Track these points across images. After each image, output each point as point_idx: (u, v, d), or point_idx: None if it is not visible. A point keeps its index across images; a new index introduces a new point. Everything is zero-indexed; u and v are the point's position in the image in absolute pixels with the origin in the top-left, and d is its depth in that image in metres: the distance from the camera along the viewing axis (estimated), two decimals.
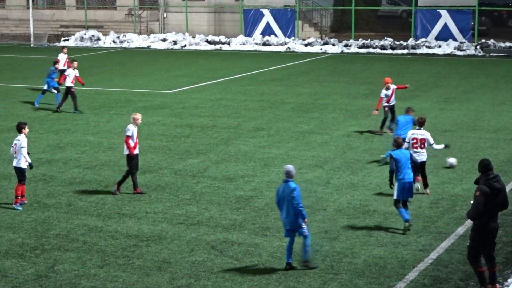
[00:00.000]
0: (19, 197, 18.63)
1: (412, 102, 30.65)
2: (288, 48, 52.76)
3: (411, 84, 33.10)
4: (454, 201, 18.88)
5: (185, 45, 54.94)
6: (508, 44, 49.89)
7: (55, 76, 32.00)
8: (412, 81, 36.57)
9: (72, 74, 30.50)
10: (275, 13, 55.23)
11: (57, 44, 56.94)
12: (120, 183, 19.69)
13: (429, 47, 50.71)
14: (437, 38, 51.65)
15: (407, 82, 34.28)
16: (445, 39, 51.23)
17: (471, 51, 49.58)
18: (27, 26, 58.77)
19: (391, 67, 43.54)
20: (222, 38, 55.27)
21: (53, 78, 31.72)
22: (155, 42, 56.13)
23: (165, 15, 59.49)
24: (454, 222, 17.38)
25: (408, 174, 16.78)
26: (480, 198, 13.30)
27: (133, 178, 19.61)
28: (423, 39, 51.64)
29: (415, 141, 19.22)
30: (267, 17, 55.30)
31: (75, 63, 31.06)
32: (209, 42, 55.13)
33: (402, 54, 50.18)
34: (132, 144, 19.37)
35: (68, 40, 57.75)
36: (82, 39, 57.37)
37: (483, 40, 50.56)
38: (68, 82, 30.36)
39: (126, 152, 19.51)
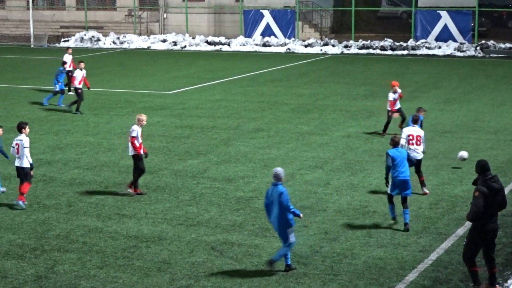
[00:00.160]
0: (24, 194, 18.54)
1: (412, 103, 30.63)
2: (288, 49, 52.75)
3: (411, 85, 33.11)
4: (454, 202, 18.88)
5: (185, 46, 54.94)
6: (508, 45, 49.87)
7: (62, 78, 31.89)
8: (412, 82, 36.59)
9: (79, 75, 30.47)
10: (275, 14, 55.22)
11: (57, 45, 56.96)
12: (132, 184, 19.62)
13: (429, 48, 50.70)
14: (437, 39, 51.65)
15: (407, 83, 34.31)
16: (445, 40, 51.22)
17: (471, 52, 49.58)
18: (27, 27, 58.79)
19: (391, 68, 43.55)
20: (222, 39, 55.27)
21: (59, 81, 31.67)
22: (155, 43, 56.15)
23: (165, 16, 59.51)
24: (454, 223, 17.38)
25: (403, 172, 16.83)
26: (479, 198, 13.29)
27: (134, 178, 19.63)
28: (423, 40, 51.62)
29: (411, 137, 19.42)
30: (267, 18, 55.29)
31: (82, 64, 30.88)
32: (209, 43, 55.14)
33: (402, 55, 50.17)
34: (137, 144, 19.38)
35: (68, 41, 57.74)
36: (82, 40, 57.37)
37: (483, 41, 50.52)
38: (76, 83, 30.36)
39: (132, 152, 19.44)
